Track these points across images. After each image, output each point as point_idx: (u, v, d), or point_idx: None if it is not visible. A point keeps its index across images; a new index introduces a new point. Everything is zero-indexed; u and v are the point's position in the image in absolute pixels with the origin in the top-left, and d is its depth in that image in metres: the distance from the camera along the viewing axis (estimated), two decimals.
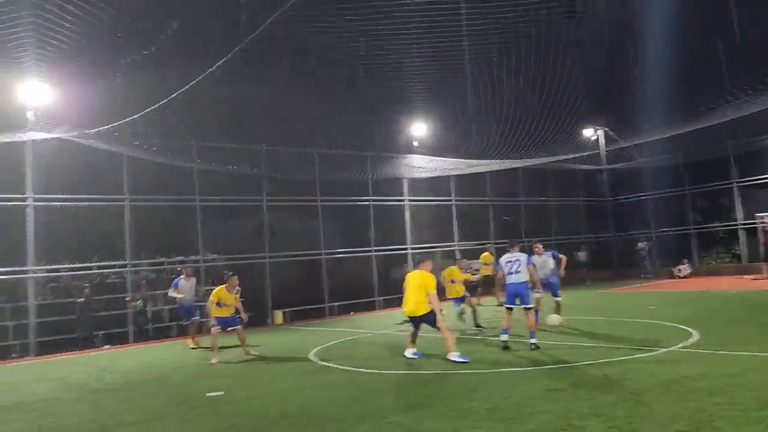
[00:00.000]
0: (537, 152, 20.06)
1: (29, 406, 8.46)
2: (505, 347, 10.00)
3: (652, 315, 13.39)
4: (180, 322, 14.58)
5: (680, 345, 9.36)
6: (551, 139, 19.07)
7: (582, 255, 26.40)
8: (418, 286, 9.69)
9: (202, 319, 14.32)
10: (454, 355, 9.21)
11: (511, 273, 10.33)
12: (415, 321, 9.86)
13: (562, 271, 12.71)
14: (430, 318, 9.60)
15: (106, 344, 15.99)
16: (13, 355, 14.96)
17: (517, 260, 10.37)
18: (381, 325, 16.11)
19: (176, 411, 7.45)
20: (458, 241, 24.62)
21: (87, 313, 16.15)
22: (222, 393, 8.28)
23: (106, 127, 13.00)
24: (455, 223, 24.44)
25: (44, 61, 10.12)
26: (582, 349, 9.76)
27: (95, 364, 12.42)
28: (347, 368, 9.58)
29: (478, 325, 13.08)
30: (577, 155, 25.05)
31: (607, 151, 28.51)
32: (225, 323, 11.50)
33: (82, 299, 16.24)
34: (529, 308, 10.25)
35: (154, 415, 7.30)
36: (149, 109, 11.86)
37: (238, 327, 11.62)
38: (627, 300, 18.04)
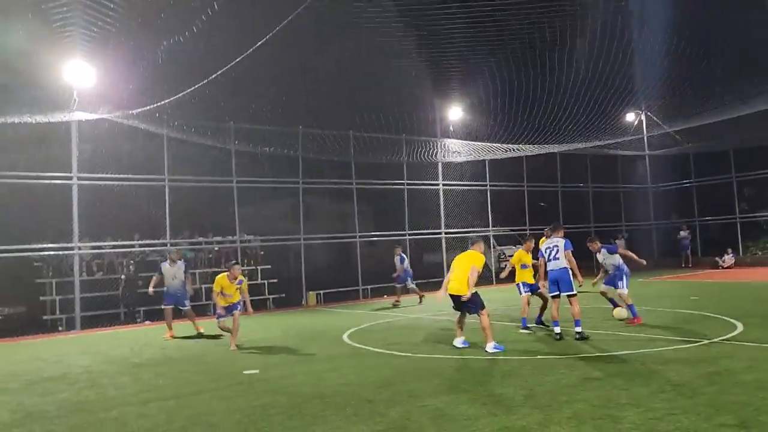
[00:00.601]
0: (576, 137, 19.64)
1: (74, 378, 8.75)
2: (560, 338, 9.59)
3: (695, 305, 13.07)
4: (162, 305, 12.97)
5: (724, 337, 9.11)
6: (592, 123, 18.64)
7: (621, 243, 25.85)
8: (464, 265, 9.10)
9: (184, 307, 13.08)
10: (491, 346, 8.84)
11: (550, 260, 10.08)
12: (456, 303, 9.22)
13: (642, 261, 11.59)
14: (471, 302, 8.97)
15: (147, 320, 16.42)
16: (60, 328, 15.50)
17: (555, 246, 10.06)
18: (415, 309, 16.13)
19: (213, 387, 7.60)
20: (492, 226, 24.42)
21: (130, 289, 16.60)
22: (257, 371, 8.42)
23: (148, 107, 13.22)
24: (490, 208, 24.20)
25: (89, 41, 10.30)
26: (620, 338, 9.59)
27: (137, 339, 12.77)
28: (381, 351, 9.62)
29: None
30: (618, 140, 24.43)
31: (649, 136, 27.74)
32: (228, 311, 11.13)
33: (124, 276, 16.70)
34: (572, 295, 9.85)
35: (192, 390, 7.46)
36: (189, 89, 12.00)
37: (236, 313, 11.01)
38: (668, 290, 17.64)
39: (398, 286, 17.43)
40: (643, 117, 27.24)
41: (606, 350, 8.55)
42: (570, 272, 9.92)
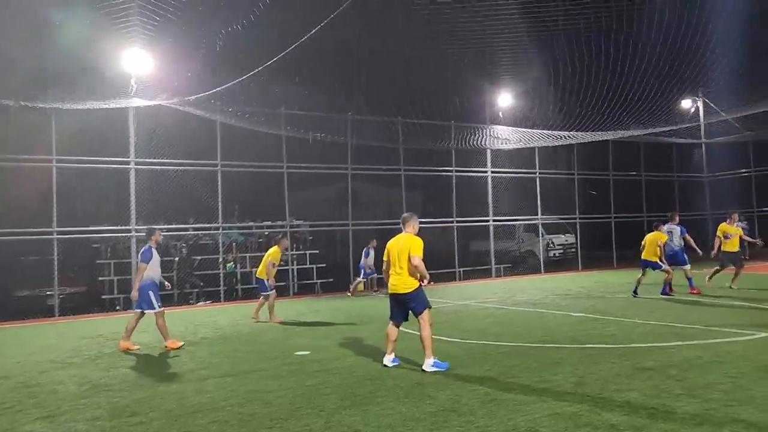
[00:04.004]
0: (631, 124, 19.12)
1: (134, 355, 9.15)
2: None
3: (753, 298, 12.65)
4: (150, 307, 9.54)
5: None
6: (646, 110, 18.12)
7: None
8: (399, 253, 7.30)
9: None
10: (429, 363, 7.12)
11: None
12: (395, 304, 7.47)
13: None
14: (416, 300, 7.27)
15: (200, 301, 16.95)
16: (117, 307, 16.16)
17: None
18: (462, 296, 16.13)
19: (267, 366, 7.82)
20: (541, 215, 24.11)
21: (183, 271, 17.17)
22: (308, 353, 8.61)
23: (204, 94, 13.54)
24: (539, 196, 23.87)
25: (150, 30, 10.62)
26: (674, 328, 9.39)
27: (191, 320, 13.19)
28: None
29: None
30: (673, 128, 23.65)
31: (706, 123, 26.75)
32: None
33: (178, 258, 17.27)
34: None
35: (246, 369, 7.71)
36: (243, 77, 12.24)
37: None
38: (724, 281, 17.07)
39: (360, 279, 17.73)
40: (700, 104, 26.28)
41: (659, 341, 8.39)
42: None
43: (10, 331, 12.88)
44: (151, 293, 9.53)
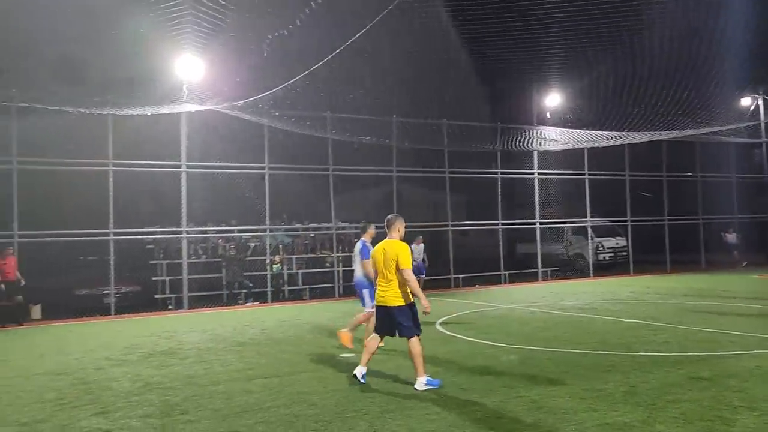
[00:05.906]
0: (687, 123, 18.44)
1: (184, 353, 9.38)
2: None
3: None
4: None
5: None
6: (703, 108, 17.46)
7: (731, 237, 24.25)
8: (386, 261, 6.72)
9: None
10: (422, 382, 6.52)
11: None
12: (383, 317, 6.82)
13: None
14: (404, 316, 6.63)
15: (248, 302, 17.25)
16: (170, 307, 16.61)
17: None
18: (508, 299, 15.92)
19: (312, 368, 7.90)
20: (591, 217, 23.56)
21: (233, 272, 17.52)
22: (353, 355, 8.63)
23: (252, 98, 13.79)
24: (588, 197, 23.32)
25: (201, 37, 10.90)
26: (731, 337, 9.01)
27: (239, 320, 13.45)
28: (474, 340, 9.59)
29: None
30: (732, 126, 22.71)
31: (767, 122, 25.62)
32: None
33: (228, 259, 17.63)
34: None
35: (292, 370, 7.79)
36: (290, 81, 12.40)
37: None
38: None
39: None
40: (760, 101, 25.19)
41: (716, 350, 8.07)
42: None
43: (70, 328, 13.42)
44: (365, 291, 8.97)
